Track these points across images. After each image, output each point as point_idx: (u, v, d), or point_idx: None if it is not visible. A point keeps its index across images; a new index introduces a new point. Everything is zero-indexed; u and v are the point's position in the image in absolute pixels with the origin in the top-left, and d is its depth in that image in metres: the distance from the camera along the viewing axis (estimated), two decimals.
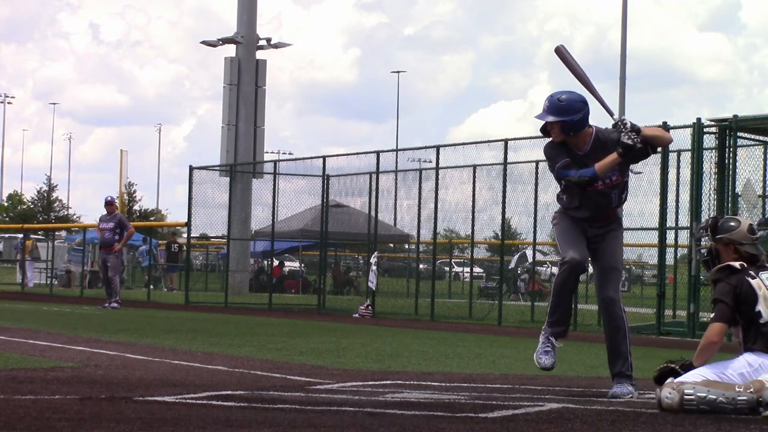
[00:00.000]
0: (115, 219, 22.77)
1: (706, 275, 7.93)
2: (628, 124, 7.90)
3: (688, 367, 7.40)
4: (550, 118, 7.98)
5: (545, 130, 8.12)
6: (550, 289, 8.26)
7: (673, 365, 7.43)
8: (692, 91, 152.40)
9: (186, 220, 28.63)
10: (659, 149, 8.17)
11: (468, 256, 33.16)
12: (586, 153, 8.03)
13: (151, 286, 33.51)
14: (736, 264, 7.41)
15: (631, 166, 8.27)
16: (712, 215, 16.61)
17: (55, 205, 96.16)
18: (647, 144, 7.96)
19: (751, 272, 7.38)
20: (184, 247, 37.88)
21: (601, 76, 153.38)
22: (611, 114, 7.99)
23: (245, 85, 35.24)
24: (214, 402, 7.20)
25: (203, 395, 7.52)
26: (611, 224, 8.22)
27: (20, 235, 42.28)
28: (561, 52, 8.34)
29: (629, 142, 7.85)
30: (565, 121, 7.95)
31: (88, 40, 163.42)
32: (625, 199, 8.30)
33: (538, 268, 35.17)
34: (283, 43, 38.19)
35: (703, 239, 7.73)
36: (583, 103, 8.00)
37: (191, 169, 27.86)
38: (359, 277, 36.23)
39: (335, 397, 7.78)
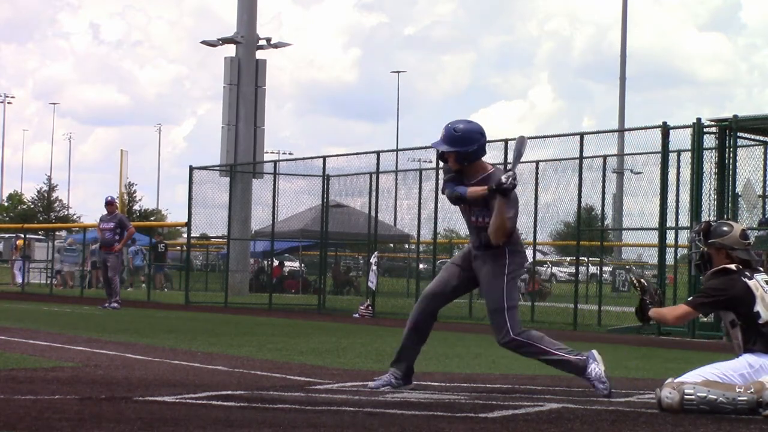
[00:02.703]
0: (115, 219, 22.76)
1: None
2: (513, 174, 7.95)
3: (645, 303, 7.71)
4: (445, 148, 8.09)
5: (443, 157, 8.23)
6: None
7: (647, 300, 7.73)
8: (692, 91, 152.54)
9: (186, 220, 28.63)
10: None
11: None
12: (471, 185, 8.08)
13: (137, 285, 33.53)
14: (732, 266, 7.43)
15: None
16: (711, 216, 16.62)
17: (56, 205, 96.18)
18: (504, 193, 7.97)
19: (747, 273, 7.40)
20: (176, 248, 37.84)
21: (601, 76, 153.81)
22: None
23: (245, 85, 35.22)
24: (214, 402, 7.20)
25: (203, 395, 7.52)
26: (488, 252, 8.19)
27: (20, 236, 42.31)
28: (520, 143, 8.31)
29: (503, 179, 7.87)
30: (458, 151, 8.04)
31: (89, 40, 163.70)
32: (486, 241, 8.20)
33: (538, 268, 35.14)
34: (283, 43, 38.19)
35: (698, 243, 7.70)
36: (480, 134, 8.08)
37: (191, 169, 27.86)
38: (359, 277, 36.22)
39: (335, 397, 7.78)
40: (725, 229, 7.60)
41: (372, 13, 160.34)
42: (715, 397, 6.95)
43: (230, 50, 36.05)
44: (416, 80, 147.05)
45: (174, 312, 23.17)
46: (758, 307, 7.31)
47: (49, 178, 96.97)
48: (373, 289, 23.77)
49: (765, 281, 7.40)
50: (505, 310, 8.13)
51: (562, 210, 21.63)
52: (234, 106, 35.02)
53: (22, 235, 42.00)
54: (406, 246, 32.57)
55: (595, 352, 8.13)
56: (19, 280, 38.88)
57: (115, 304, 22.39)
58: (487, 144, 8.21)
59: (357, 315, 22.95)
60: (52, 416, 6.26)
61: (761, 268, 7.55)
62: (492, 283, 8.17)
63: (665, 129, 18.01)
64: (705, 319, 17.23)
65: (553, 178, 21.02)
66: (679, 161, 18.95)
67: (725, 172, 17.18)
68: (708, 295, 7.43)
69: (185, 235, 33.09)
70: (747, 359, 7.27)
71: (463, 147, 8.04)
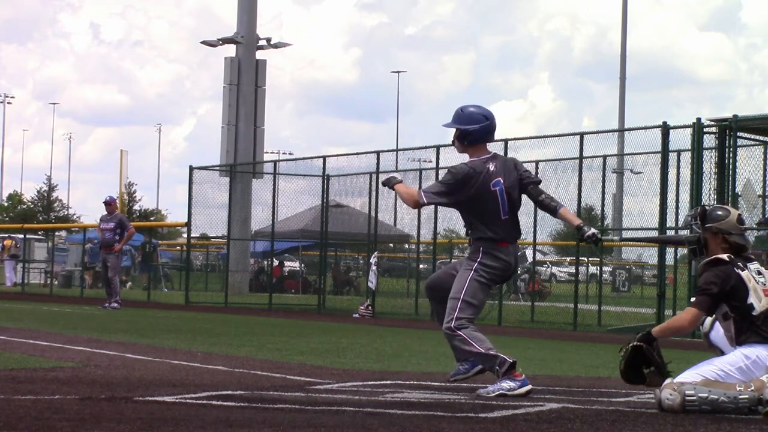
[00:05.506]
0: (115, 219, 22.77)
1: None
2: None
3: (647, 338, 7.48)
4: (448, 124, 8.41)
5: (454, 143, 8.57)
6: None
7: (636, 343, 7.50)
8: (692, 91, 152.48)
9: (186, 220, 28.63)
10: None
11: None
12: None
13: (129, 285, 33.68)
14: (724, 256, 7.40)
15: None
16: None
17: (55, 205, 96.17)
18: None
19: (740, 264, 7.37)
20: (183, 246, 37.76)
21: (601, 76, 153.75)
22: None
23: (245, 85, 35.22)
24: (214, 402, 7.20)
25: (203, 395, 7.52)
26: (470, 248, 8.42)
27: (20, 236, 42.28)
28: None
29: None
30: (459, 129, 8.33)
31: (89, 40, 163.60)
32: (468, 232, 8.44)
33: (538, 268, 35.15)
34: (283, 43, 38.19)
35: (695, 227, 7.66)
36: (484, 117, 8.33)
37: (191, 169, 27.86)
38: (359, 277, 36.23)
39: (335, 397, 7.78)
40: (721, 213, 7.56)
41: (372, 13, 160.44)
42: (716, 396, 6.95)
43: (230, 50, 36.09)
44: (416, 80, 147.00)
45: (174, 312, 23.17)
46: (751, 299, 7.28)
47: (49, 178, 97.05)
48: (373, 289, 23.78)
49: (757, 271, 7.38)
50: (459, 300, 8.26)
51: None
52: (234, 106, 35.03)
53: (20, 236, 41.94)
54: (406, 246, 32.56)
55: (524, 389, 7.86)
56: (8, 283, 38.81)
57: (115, 304, 22.39)
58: (494, 130, 8.36)
59: (357, 315, 22.95)
60: (52, 416, 6.26)
61: (753, 257, 7.54)
62: (461, 274, 8.32)
63: (665, 129, 18.01)
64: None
65: (553, 178, 21.02)
66: (679, 161, 18.95)
67: (725, 172, 17.17)
68: (706, 292, 7.33)
69: (185, 235, 33.08)
70: (742, 352, 7.24)
71: (463, 125, 8.31)
